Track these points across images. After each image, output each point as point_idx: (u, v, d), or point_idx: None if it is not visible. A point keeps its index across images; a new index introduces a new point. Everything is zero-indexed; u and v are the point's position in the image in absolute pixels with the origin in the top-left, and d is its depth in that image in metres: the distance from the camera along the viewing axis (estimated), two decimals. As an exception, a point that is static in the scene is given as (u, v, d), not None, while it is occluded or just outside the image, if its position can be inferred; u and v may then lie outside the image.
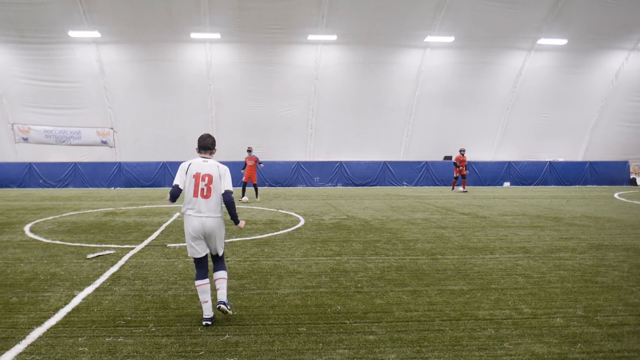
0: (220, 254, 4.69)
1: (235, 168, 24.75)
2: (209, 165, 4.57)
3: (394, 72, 25.98)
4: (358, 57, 25.35)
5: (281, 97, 26.00)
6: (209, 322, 4.42)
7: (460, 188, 21.04)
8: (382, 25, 23.78)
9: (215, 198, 4.54)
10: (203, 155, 4.67)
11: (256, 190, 17.46)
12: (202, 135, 4.72)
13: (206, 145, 4.65)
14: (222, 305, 4.46)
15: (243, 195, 16.88)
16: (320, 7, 22.78)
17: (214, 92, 25.50)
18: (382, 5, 22.98)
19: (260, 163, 17.44)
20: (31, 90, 24.53)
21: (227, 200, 4.54)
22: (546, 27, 24.53)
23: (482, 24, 24.06)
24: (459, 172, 20.80)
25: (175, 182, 4.52)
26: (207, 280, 4.56)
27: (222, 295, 4.56)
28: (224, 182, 4.57)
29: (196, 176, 4.51)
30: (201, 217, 4.49)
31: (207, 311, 4.47)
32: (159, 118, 25.77)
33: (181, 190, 4.54)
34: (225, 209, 4.66)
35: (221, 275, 4.65)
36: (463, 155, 20.78)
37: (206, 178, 4.51)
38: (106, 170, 25.14)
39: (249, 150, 17.21)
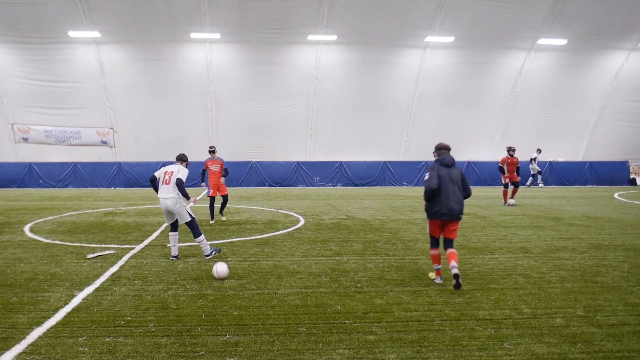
0: (183, 222, 7.16)
1: (235, 168, 24.91)
2: (174, 167, 7.33)
3: (394, 72, 25.97)
4: (358, 57, 25.34)
5: (281, 97, 25.98)
6: (174, 258, 7.18)
7: (511, 200, 15.21)
8: (382, 25, 23.77)
9: (172, 185, 7.08)
10: (175, 163, 7.54)
11: (224, 203, 11.75)
12: (180, 154, 7.68)
13: (179, 157, 7.61)
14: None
15: (213, 218, 11.36)
16: (320, 7, 22.77)
17: (214, 92, 25.48)
18: (382, 5, 22.97)
19: (225, 174, 11.52)
20: (31, 90, 24.52)
21: (177, 183, 7.03)
22: (546, 27, 24.51)
23: (482, 24, 24.04)
24: (509, 179, 15.34)
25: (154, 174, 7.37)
26: (176, 233, 7.33)
27: (175, 251, 7.33)
28: (179, 175, 7.11)
29: (164, 172, 7.29)
30: (163, 198, 7.11)
31: (175, 251, 7.26)
32: (159, 118, 25.75)
33: (156, 178, 7.28)
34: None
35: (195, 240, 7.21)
36: (512, 156, 15.31)
37: (169, 173, 7.23)
38: (106, 170, 25.13)
39: (212, 151, 11.60)
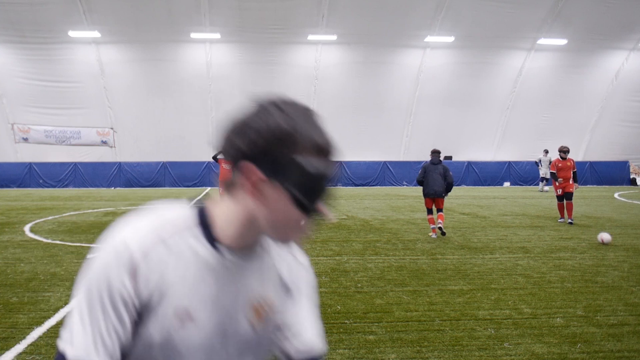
0: None
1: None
2: None
3: (394, 72, 25.97)
4: (358, 57, 25.34)
5: (281, 97, 25.98)
6: None
7: (562, 219, 11.27)
8: (382, 25, 23.77)
9: None
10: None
11: None
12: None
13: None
14: None
15: None
16: (320, 7, 22.77)
17: (214, 92, 25.49)
18: (382, 5, 22.98)
19: None
20: (31, 90, 24.53)
21: None
22: (546, 27, 24.51)
23: (482, 24, 24.05)
24: (561, 189, 11.28)
25: None
26: None
27: None
28: None
29: None
30: None
31: None
32: (159, 118, 25.76)
33: None
34: None
35: None
36: (565, 158, 11.52)
37: None
38: (106, 170, 25.14)
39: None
